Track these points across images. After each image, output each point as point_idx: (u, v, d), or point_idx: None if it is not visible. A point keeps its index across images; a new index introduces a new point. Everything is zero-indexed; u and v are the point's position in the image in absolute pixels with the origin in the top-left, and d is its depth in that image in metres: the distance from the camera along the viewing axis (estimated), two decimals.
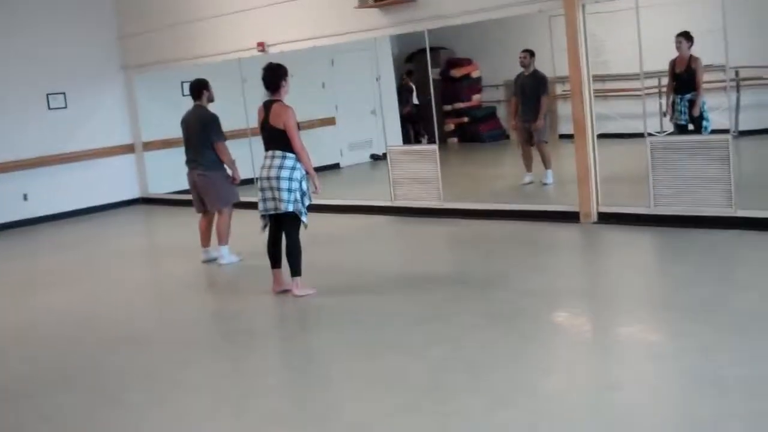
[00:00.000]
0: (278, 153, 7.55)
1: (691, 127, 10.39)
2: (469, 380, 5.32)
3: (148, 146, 15.26)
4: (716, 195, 8.69)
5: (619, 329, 6.28)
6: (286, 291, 7.83)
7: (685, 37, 10.34)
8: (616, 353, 5.77)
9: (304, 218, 7.61)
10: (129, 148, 15.46)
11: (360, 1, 10.96)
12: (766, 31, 13.63)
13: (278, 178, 7.47)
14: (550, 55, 13.99)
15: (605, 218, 9.48)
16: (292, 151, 7.55)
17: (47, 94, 14.43)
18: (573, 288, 7.50)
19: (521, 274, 7.94)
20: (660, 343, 5.87)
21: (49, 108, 14.48)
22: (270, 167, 7.55)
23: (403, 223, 11.03)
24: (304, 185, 7.61)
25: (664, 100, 10.79)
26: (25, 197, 14.13)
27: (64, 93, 14.61)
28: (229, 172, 9.51)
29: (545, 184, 12.05)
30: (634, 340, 5.98)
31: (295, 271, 7.69)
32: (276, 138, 7.56)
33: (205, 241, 9.75)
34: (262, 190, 7.61)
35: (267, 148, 7.68)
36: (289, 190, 7.47)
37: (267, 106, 7.66)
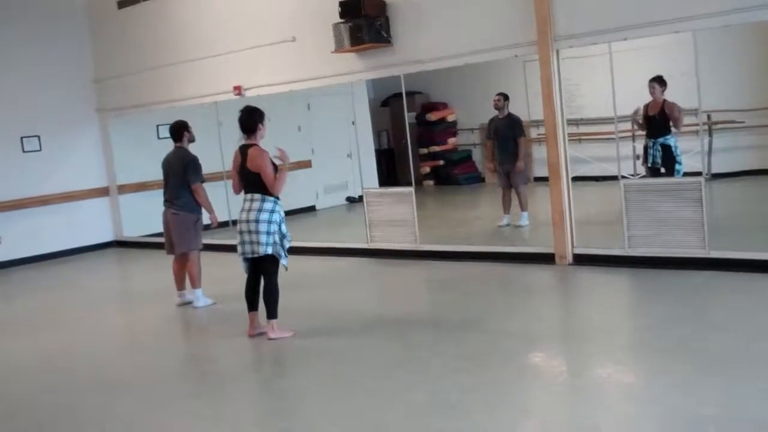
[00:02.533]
0: (257, 196, 7.55)
1: (663, 170, 10.47)
2: (447, 423, 5.29)
3: (123, 189, 15.22)
4: (690, 236, 8.76)
5: (595, 370, 6.28)
6: (262, 334, 7.79)
7: (658, 82, 10.46)
8: (593, 394, 5.76)
9: (283, 261, 7.61)
10: (104, 191, 15.41)
11: (337, 46, 11.04)
12: (738, 76, 13.85)
13: (257, 221, 7.47)
14: (525, 100, 14.14)
15: (580, 260, 9.53)
16: (270, 194, 7.56)
17: (21, 137, 14.38)
18: (549, 329, 7.52)
19: (497, 315, 7.95)
20: (636, 384, 5.88)
21: (24, 151, 14.41)
22: (249, 210, 7.55)
23: (380, 265, 11.02)
24: (284, 227, 7.62)
25: (637, 144, 10.87)
26: None
27: (38, 136, 14.56)
28: (206, 215, 9.49)
29: (520, 226, 12.09)
30: (610, 381, 5.98)
31: (271, 313, 7.67)
32: (254, 182, 7.57)
33: (179, 284, 9.71)
34: (241, 233, 7.60)
35: (246, 191, 7.68)
36: (268, 233, 7.48)
37: (243, 151, 7.66)
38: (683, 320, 7.13)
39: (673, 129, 10.45)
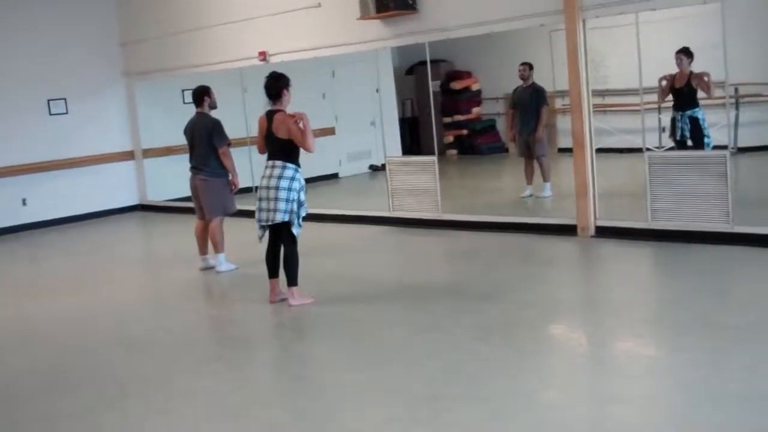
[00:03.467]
0: (278, 163, 7.57)
1: (690, 143, 10.39)
2: (467, 392, 5.34)
3: (148, 153, 15.30)
4: (714, 211, 8.72)
5: (616, 343, 6.29)
6: (283, 300, 7.84)
7: (685, 53, 10.34)
8: (614, 367, 5.78)
9: (294, 230, 7.60)
10: (128, 155, 15.48)
11: (362, 13, 11.00)
12: (765, 48, 13.69)
13: (277, 188, 7.50)
14: (551, 69, 14.04)
15: (603, 232, 9.51)
16: (292, 161, 7.59)
17: (48, 100, 14.45)
18: (571, 301, 7.53)
19: (518, 286, 7.96)
20: (657, 358, 5.89)
21: (50, 113, 14.50)
22: (270, 177, 7.58)
23: (401, 234, 11.04)
24: (303, 196, 7.64)
25: (664, 116, 10.76)
26: (23, 202, 14.14)
27: (65, 99, 14.63)
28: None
29: (543, 197, 12.07)
30: (631, 354, 5.99)
31: (292, 281, 7.71)
32: (278, 148, 7.60)
33: (203, 248, 9.78)
34: (260, 200, 7.63)
35: (269, 158, 7.71)
36: (287, 200, 7.50)
37: (269, 117, 7.69)
38: (705, 295, 7.12)
39: (703, 97, 10.30)
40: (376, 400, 5.38)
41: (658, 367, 5.67)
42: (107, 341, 7.34)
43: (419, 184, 11.18)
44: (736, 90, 13.45)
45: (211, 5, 13.46)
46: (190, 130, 9.60)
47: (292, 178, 7.55)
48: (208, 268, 9.72)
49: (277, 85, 7.71)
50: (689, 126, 10.35)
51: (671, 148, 10.80)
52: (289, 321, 7.58)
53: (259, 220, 7.67)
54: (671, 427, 4.66)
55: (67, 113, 14.66)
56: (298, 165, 7.65)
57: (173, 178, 14.79)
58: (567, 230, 9.72)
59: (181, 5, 14.00)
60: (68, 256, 11.93)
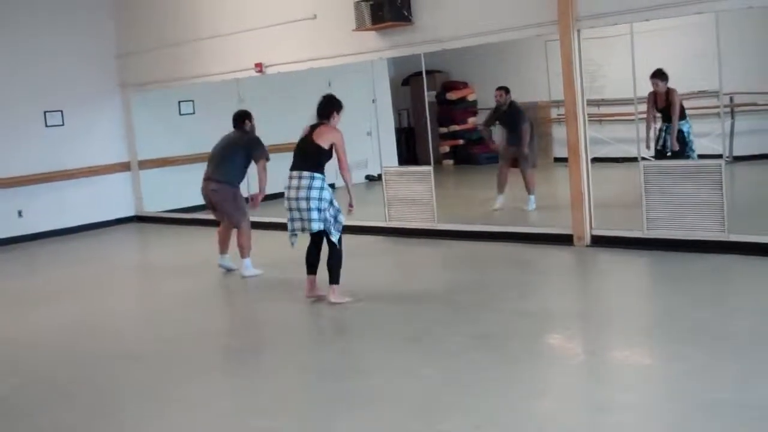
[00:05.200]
0: (306, 174, 7.72)
1: (669, 153, 10.48)
2: (461, 401, 5.33)
3: (144, 165, 15.28)
4: (709, 219, 8.73)
5: (611, 352, 6.30)
6: (318, 297, 8.03)
7: (659, 77, 10.50)
8: (609, 376, 5.78)
9: (333, 237, 7.80)
10: (125, 166, 15.47)
11: (358, 24, 11.03)
12: (761, 58, 13.73)
13: (307, 198, 7.66)
14: (546, 79, 14.07)
15: (599, 241, 9.52)
16: (320, 171, 7.75)
17: (45, 112, 14.46)
18: (566, 310, 7.53)
19: (514, 295, 7.96)
20: (652, 367, 5.90)
21: (47, 125, 14.50)
22: (298, 188, 7.71)
23: (397, 244, 11.06)
24: (336, 203, 7.81)
25: (659, 124, 10.82)
26: (19, 214, 14.12)
27: (61, 110, 14.63)
28: (250, 191, 9.63)
29: (528, 210, 12.05)
30: (627, 363, 6.00)
31: (334, 279, 7.88)
32: (310, 156, 7.78)
33: (223, 248, 9.90)
34: (290, 210, 7.79)
35: (295, 167, 7.82)
36: (319, 210, 7.66)
37: (313, 127, 7.91)
38: (701, 304, 7.13)
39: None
40: (369, 409, 5.37)
41: (653, 376, 5.67)
42: (105, 352, 7.31)
43: (415, 194, 11.20)
44: (732, 99, 13.49)
45: (207, 17, 13.48)
46: (226, 140, 9.74)
47: (321, 188, 7.71)
48: (227, 269, 9.86)
49: (328, 106, 8.00)
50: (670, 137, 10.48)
51: (653, 158, 10.82)
52: (279, 330, 7.58)
53: (293, 230, 7.85)
54: None
55: (63, 125, 14.66)
56: (324, 175, 7.81)
57: (170, 190, 14.86)
58: (563, 240, 9.73)
59: (178, 17, 14.02)
60: (65, 267, 11.91)
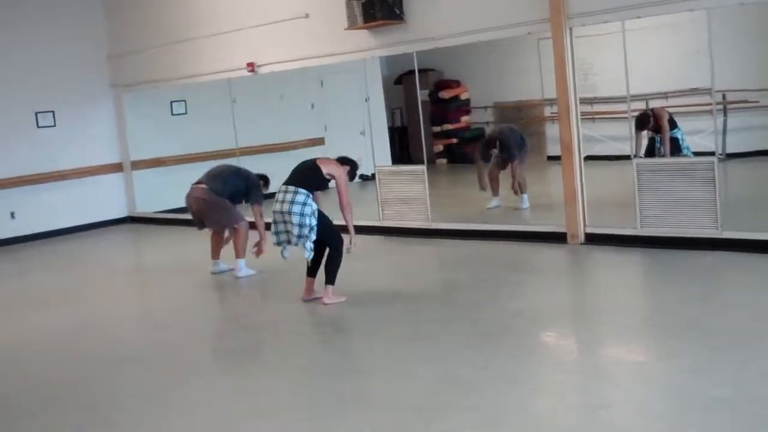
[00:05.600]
0: (291, 188, 7.82)
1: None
2: (457, 400, 5.33)
3: (137, 165, 15.25)
4: (702, 216, 8.75)
5: (607, 349, 6.30)
6: (316, 299, 8.06)
7: (639, 126, 10.85)
8: (605, 373, 5.78)
9: (307, 254, 7.84)
10: (117, 167, 15.44)
11: (350, 23, 11.02)
12: (753, 56, 13.75)
13: (290, 213, 7.72)
14: (539, 77, 14.07)
15: (592, 239, 9.53)
16: (306, 188, 7.80)
17: (36, 113, 14.43)
18: (561, 308, 7.53)
19: (509, 294, 7.97)
20: (648, 364, 5.90)
21: (38, 126, 14.47)
22: (283, 201, 7.80)
23: (392, 243, 11.05)
24: (313, 221, 7.79)
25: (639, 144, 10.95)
26: (12, 215, 14.09)
27: (53, 111, 14.60)
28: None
29: (522, 208, 12.03)
30: (622, 360, 6.00)
31: (330, 280, 7.95)
32: (306, 176, 7.96)
33: (215, 253, 9.92)
34: (275, 222, 7.87)
35: (288, 182, 7.92)
36: (300, 225, 7.71)
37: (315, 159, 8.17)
38: (695, 300, 7.13)
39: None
40: (365, 409, 5.37)
41: (647, 373, 5.67)
42: (102, 354, 7.29)
43: (409, 193, 11.19)
44: (724, 96, 13.50)
45: (199, 17, 13.46)
46: (233, 167, 9.86)
47: (304, 203, 7.75)
48: (220, 272, 9.85)
49: (347, 161, 8.46)
50: (668, 147, 10.54)
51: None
52: (277, 331, 7.58)
53: (279, 242, 7.94)
54: None
55: (55, 126, 14.63)
56: (310, 191, 7.86)
57: (162, 190, 14.82)
58: (556, 238, 9.74)
59: (169, 17, 14.00)
60: (59, 269, 11.89)
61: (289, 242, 7.88)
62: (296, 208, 7.71)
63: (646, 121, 10.79)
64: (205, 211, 9.59)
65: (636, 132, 10.82)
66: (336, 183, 8.09)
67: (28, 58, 14.23)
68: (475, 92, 17.88)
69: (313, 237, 7.81)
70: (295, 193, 7.78)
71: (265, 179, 9.82)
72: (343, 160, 8.41)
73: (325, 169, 8.02)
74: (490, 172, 12.31)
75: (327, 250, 8.01)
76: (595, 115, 14.73)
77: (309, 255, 7.85)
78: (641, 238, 9.16)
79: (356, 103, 15.54)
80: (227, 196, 9.54)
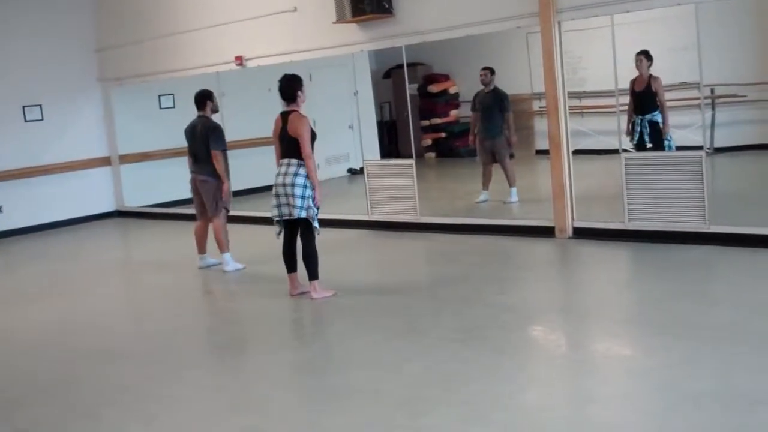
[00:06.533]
0: (293, 161, 7.75)
1: (649, 146, 10.44)
2: (444, 394, 5.33)
3: (125, 159, 15.19)
4: (690, 211, 8.76)
5: (594, 344, 6.31)
6: (304, 293, 8.02)
7: (645, 55, 10.39)
8: (592, 368, 5.79)
9: (315, 224, 7.80)
10: (105, 161, 15.39)
11: (338, 16, 11.00)
12: (740, 50, 13.79)
13: (293, 185, 7.67)
14: (528, 72, 14.09)
15: (580, 233, 9.54)
16: (299, 158, 7.74)
17: (23, 107, 14.35)
18: (548, 303, 7.54)
19: (497, 288, 7.96)
20: (635, 358, 5.91)
21: (26, 120, 14.40)
22: (285, 174, 7.74)
23: (380, 237, 11.04)
24: (316, 193, 7.79)
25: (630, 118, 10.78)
26: None
27: (40, 105, 14.53)
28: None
29: (510, 202, 12.01)
30: (609, 354, 6.01)
31: (312, 275, 7.90)
32: (293, 147, 7.77)
33: (201, 247, 9.88)
34: (277, 196, 7.80)
35: (283, 156, 7.85)
36: (303, 197, 7.68)
37: (284, 117, 7.87)
38: (682, 295, 7.15)
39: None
40: (353, 403, 5.36)
41: (635, 368, 5.68)
42: (87, 349, 7.26)
43: (397, 188, 11.18)
44: (712, 91, 13.54)
45: (187, 11, 13.41)
46: (191, 132, 9.61)
47: (307, 176, 7.71)
48: (208, 266, 9.84)
49: (291, 86, 7.93)
50: (648, 130, 10.43)
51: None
52: (263, 326, 7.57)
53: (280, 215, 7.84)
54: (648, 427, 4.67)
55: (42, 120, 14.57)
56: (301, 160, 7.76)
57: (151, 184, 14.80)
58: (544, 232, 9.74)
59: (158, 11, 13.94)
60: (46, 263, 11.84)
61: (290, 216, 7.73)
62: (299, 180, 7.66)
63: (649, 55, 10.50)
64: (204, 193, 9.61)
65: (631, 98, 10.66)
66: (299, 141, 7.76)
67: (15, 52, 14.16)
68: (463, 86, 17.89)
69: (317, 212, 7.81)
70: (298, 165, 7.72)
71: (210, 96, 9.68)
72: (291, 88, 7.94)
73: (294, 133, 7.74)
74: (484, 166, 12.25)
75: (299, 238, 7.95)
76: (584, 109, 14.77)
77: (317, 225, 7.79)
78: (629, 232, 9.17)
79: (345, 97, 15.54)
80: (214, 168, 9.48)
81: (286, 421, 5.31)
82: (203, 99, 9.63)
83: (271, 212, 7.93)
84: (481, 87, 12.18)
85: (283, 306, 7.96)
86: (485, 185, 12.26)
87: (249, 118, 13.45)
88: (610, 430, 4.68)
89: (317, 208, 7.82)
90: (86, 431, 5.43)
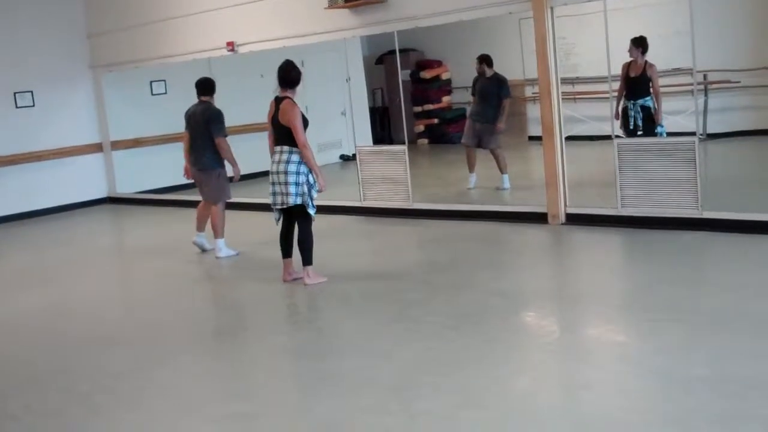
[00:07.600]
0: (285, 148, 7.76)
1: (640, 133, 10.41)
2: (437, 380, 5.33)
3: (116, 145, 15.14)
4: (683, 197, 8.77)
5: (587, 330, 6.32)
6: (297, 279, 8.04)
7: (638, 44, 10.35)
8: (585, 354, 5.79)
9: (311, 210, 7.82)
10: (97, 147, 15.32)
11: (330, 2, 10.95)
12: (734, 36, 13.78)
13: (286, 172, 7.69)
14: (520, 57, 14.06)
15: (573, 219, 9.54)
16: (292, 144, 7.74)
17: (14, 93, 14.29)
18: (542, 289, 7.54)
19: (489, 274, 7.96)
20: (628, 344, 5.92)
21: (17, 106, 14.34)
22: (279, 162, 7.77)
23: (372, 224, 11.03)
24: (311, 178, 7.79)
25: (620, 103, 10.74)
26: None
27: (31, 91, 14.47)
28: (229, 169, 9.62)
29: (503, 189, 11.96)
30: (602, 340, 6.02)
31: (307, 260, 7.93)
32: (284, 134, 7.77)
33: (200, 225, 9.89)
34: (272, 184, 7.84)
35: (276, 143, 7.88)
36: (296, 184, 7.69)
37: (278, 102, 7.89)
38: (675, 281, 7.15)
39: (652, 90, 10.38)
40: (346, 390, 5.36)
41: (628, 353, 5.69)
42: (80, 335, 7.26)
43: (390, 174, 11.16)
44: (705, 76, 13.54)
45: None
46: (191, 117, 9.63)
47: (299, 162, 7.72)
48: (202, 249, 9.85)
49: (292, 75, 8.04)
50: (641, 114, 10.40)
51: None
52: (256, 312, 7.57)
53: (274, 204, 7.90)
54: (642, 413, 4.67)
55: (33, 106, 14.50)
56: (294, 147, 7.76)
57: (142, 170, 14.75)
58: (537, 218, 9.74)
59: None
60: (38, 250, 11.81)
61: (283, 204, 7.76)
62: (292, 167, 7.67)
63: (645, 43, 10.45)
64: (204, 181, 9.64)
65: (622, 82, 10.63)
66: (291, 127, 7.76)
67: (6, 38, 14.08)
68: (456, 72, 17.87)
69: (315, 194, 7.82)
70: (290, 153, 7.72)
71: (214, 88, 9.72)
72: (293, 76, 8.11)
73: (285, 122, 7.73)
74: (467, 151, 12.20)
75: (296, 225, 7.98)
76: (577, 95, 14.76)
77: (312, 211, 7.81)
78: (622, 218, 9.17)
79: (337, 83, 15.49)
80: (216, 162, 9.50)
81: (278, 406, 5.30)
82: (211, 86, 9.65)
83: (269, 200, 7.97)
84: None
85: (276, 292, 7.96)
86: (471, 168, 12.20)
87: (241, 104, 13.41)
88: (602, 415, 4.68)
89: (319, 192, 7.84)
90: (79, 418, 5.41)
